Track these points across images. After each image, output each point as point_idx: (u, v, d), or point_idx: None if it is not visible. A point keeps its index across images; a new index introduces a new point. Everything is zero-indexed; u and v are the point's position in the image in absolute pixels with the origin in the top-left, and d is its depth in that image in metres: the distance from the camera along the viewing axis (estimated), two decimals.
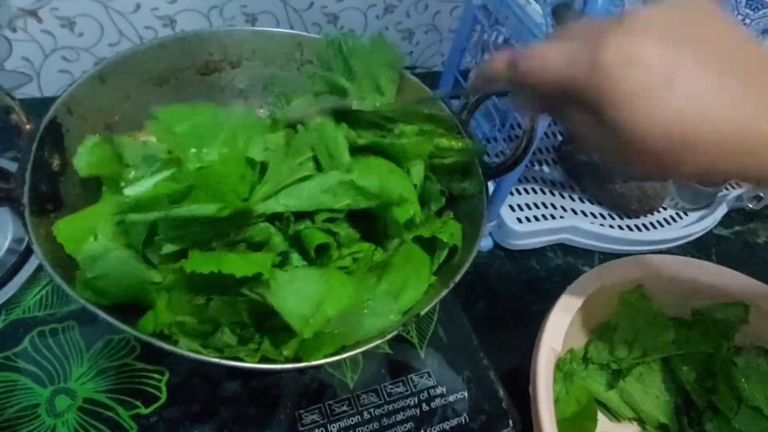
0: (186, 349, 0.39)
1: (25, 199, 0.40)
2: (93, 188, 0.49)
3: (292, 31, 0.61)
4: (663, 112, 0.28)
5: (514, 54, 0.35)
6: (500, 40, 0.80)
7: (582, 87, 0.30)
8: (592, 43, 0.30)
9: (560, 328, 0.52)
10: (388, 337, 0.40)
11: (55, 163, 0.45)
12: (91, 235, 0.41)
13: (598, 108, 0.30)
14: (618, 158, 0.33)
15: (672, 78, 0.28)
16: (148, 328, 0.39)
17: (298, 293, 0.40)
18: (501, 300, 0.71)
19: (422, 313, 0.42)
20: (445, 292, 0.42)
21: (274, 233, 0.43)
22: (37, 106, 0.46)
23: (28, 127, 0.43)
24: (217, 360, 0.38)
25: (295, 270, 0.43)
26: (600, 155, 0.35)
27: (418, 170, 0.51)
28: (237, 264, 0.38)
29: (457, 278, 0.43)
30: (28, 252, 0.57)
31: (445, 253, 0.50)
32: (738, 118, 0.28)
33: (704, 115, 0.28)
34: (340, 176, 0.44)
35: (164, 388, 0.50)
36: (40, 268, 0.56)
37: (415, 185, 0.50)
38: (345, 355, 0.39)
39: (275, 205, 0.43)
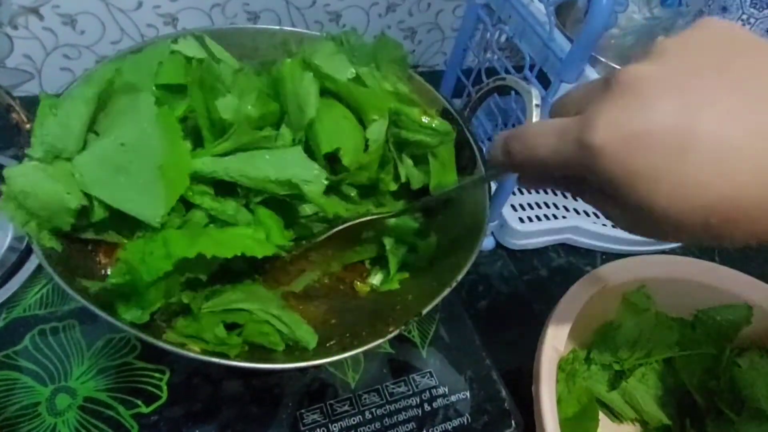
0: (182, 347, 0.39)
1: None
2: None
3: (293, 29, 0.61)
4: (686, 189, 0.23)
5: (507, 134, 0.31)
6: (503, 39, 0.80)
7: (577, 170, 0.27)
8: (580, 120, 0.26)
9: (563, 329, 0.52)
10: (389, 336, 0.40)
11: None
12: None
13: (603, 189, 0.26)
14: (649, 234, 0.29)
15: (685, 146, 0.23)
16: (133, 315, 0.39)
17: None
18: (503, 300, 0.71)
19: (424, 312, 0.41)
20: (446, 291, 0.42)
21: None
22: (38, 104, 0.45)
23: (28, 126, 0.43)
24: (217, 360, 0.38)
25: None
26: (629, 230, 0.30)
27: (377, 126, 0.48)
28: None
29: (459, 277, 0.43)
30: (29, 250, 0.57)
31: None
32: None
33: (743, 177, 0.23)
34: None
35: (165, 387, 0.50)
36: (40, 266, 0.55)
37: (368, 140, 0.48)
38: (346, 355, 0.38)
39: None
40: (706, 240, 0.26)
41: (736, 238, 0.25)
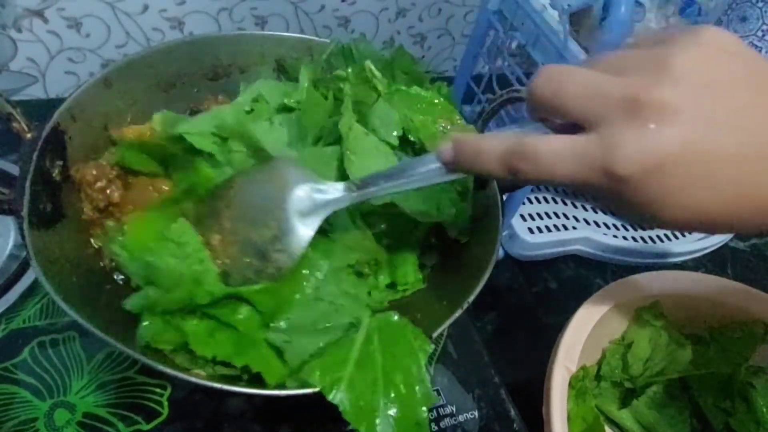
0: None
1: (25, 211, 0.39)
2: None
3: (301, 35, 0.60)
4: (691, 203, 0.26)
5: (509, 150, 0.30)
6: (514, 45, 0.79)
7: (602, 193, 0.28)
8: (605, 146, 0.26)
9: (575, 347, 0.51)
10: None
11: (57, 171, 0.44)
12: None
13: (617, 204, 0.28)
14: (654, 228, 0.31)
15: (707, 172, 0.25)
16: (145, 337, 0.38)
17: None
18: (511, 312, 0.70)
19: (434, 335, 0.40)
20: (458, 312, 0.41)
21: None
22: (42, 107, 0.45)
23: (29, 135, 0.42)
24: (231, 388, 0.37)
25: None
26: (635, 224, 0.32)
27: None
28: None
29: (471, 298, 0.42)
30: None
31: None
32: None
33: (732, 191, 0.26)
34: None
35: (166, 404, 0.49)
36: None
37: None
38: None
39: None
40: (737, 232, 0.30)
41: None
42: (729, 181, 0.26)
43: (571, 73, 0.28)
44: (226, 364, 0.39)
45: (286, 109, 0.49)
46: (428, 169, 0.36)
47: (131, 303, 0.38)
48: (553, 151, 0.28)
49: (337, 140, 0.47)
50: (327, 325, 0.41)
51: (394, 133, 0.48)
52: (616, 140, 0.26)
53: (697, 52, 0.26)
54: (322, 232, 0.43)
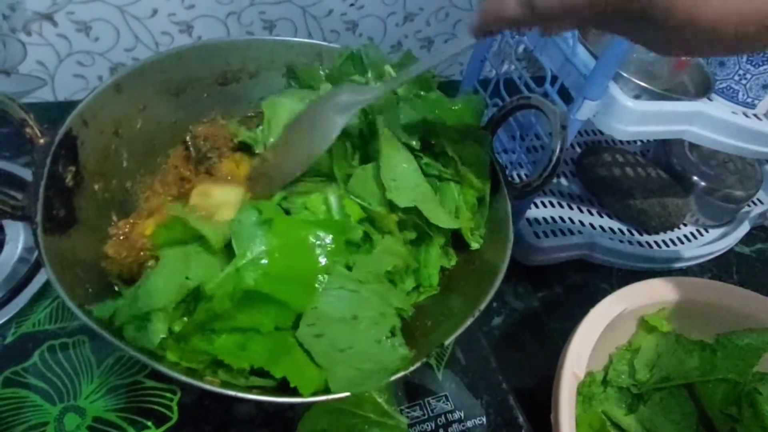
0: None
1: (39, 217, 0.39)
2: (108, 205, 0.48)
3: (311, 40, 0.60)
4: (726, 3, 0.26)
5: None
6: (521, 49, 0.79)
7: (620, 4, 0.28)
8: None
9: (583, 354, 0.51)
10: (413, 368, 0.39)
11: (69, 177, 0.44)
12: None
13: (645, 16, 0.28)
14: (682, 50, 0.30)
15: None
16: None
17: None
18: (517, 316, 0.70)
19: (447, 342, 0.40)
20: (470, 320, 0.41)
21: None
22: (51, 111, 0.45)
23: (42, 141, 0.42)
24: (254, 397, 0.37)
25: None
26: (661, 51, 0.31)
27: None
28: None
29: (482, 306, 0.42)
30: (39, 263, 0.56)
31: None
32: None
33: None
34: None
35: (176, 408, 0.49)
36: None
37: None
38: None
39: None
40: (738, 50, 0.29)
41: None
42: None
43: None
44: (262, 375, 0.39)
45: None
46: (455, 49, 0.41)
47: (98, 311, 0.39)
48: None
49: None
50: (355, 314, 0.41)
51: (414, 143, 0.50)
52: None
53: None
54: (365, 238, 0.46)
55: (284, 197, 0.47)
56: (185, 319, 0.39)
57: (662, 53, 0.31)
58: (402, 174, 0.48)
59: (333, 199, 0.47)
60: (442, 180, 0.52)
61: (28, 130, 0.42)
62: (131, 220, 0.48)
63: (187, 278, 0.39)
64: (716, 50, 0.29)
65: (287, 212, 0.46)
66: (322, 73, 0.54)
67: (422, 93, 0.53)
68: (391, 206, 0.47)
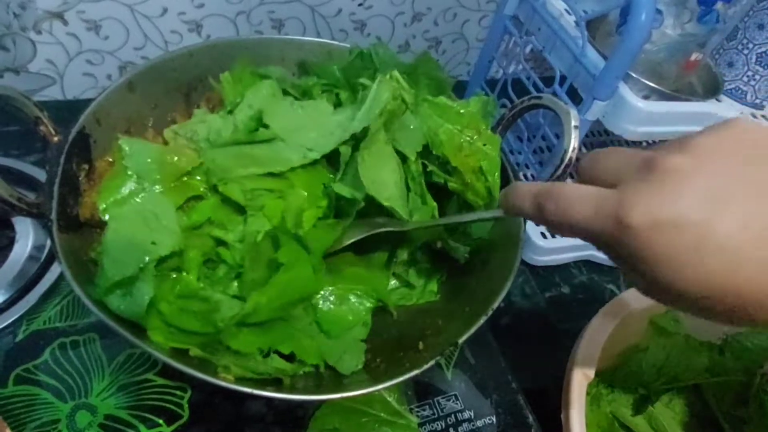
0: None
1: (53, 215, 0.39)
2: None
3: (321, 39, 0.60)
4: (698, 277, 0.26)
5: (540, 191, 0.32)
6: (528, 50, 0.79)
7: (609, 241, 0.28)
8: (620, 197, 0.28)
9: (592, 355, 0.51)
10: (426, 367, 0.39)
11: (83, 175, 0.44)
12: None
13: (628, 261, 0.28)
14: (661, 302, 0.30)
15: (703, 240, 0.25)
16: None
17: None
18: (525, 317, 0.70)
19: (461, 342, 0.40)
20: (483, 319, 0.41)
21: None
22: (60, 109, 0.45)
23: (56, 139, 0.42)
24: (267, 394, 0.38)
25: None
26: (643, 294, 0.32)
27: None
28: None
29: (495, 305, 0.42)
30: (49, 260, 0.57)
31: None
32: None
33: (745, 274, 0.25)
34: None
35: (186, 406, 0.49)
36: (61, 277, 0.55)
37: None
38: (381, 386, 0.37)
39: None
40: (711, 319, 0.28)
41: (736, 323, 0.28)
42: (720, 257, 0.25)
43: (610, 151, 0.32)
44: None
45: None
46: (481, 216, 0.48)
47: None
48: (577, 193, 0.30)
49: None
50: None
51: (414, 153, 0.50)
52: (631, 192, 0.27)
53: (721, 133, 0.28)
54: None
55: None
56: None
57: (648, 297, 0.31)
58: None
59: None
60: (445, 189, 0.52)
61: (42, 128, 0.43)
62: None
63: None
64: (690, 313, 0.29)
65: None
66: (335, 67, 0.54)
67: (429, 98, 0.52)
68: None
